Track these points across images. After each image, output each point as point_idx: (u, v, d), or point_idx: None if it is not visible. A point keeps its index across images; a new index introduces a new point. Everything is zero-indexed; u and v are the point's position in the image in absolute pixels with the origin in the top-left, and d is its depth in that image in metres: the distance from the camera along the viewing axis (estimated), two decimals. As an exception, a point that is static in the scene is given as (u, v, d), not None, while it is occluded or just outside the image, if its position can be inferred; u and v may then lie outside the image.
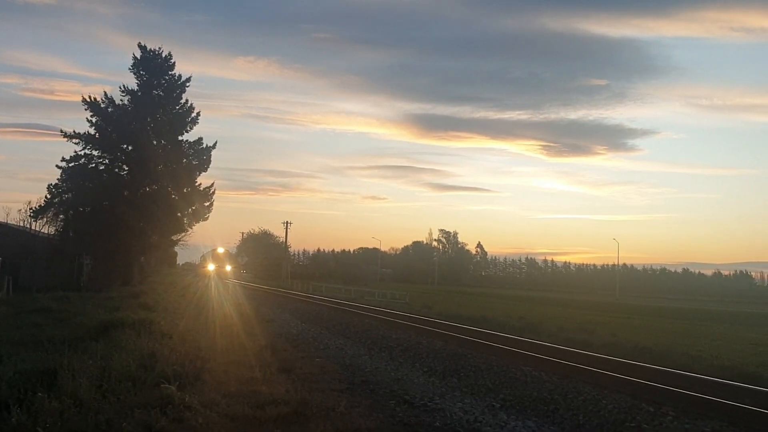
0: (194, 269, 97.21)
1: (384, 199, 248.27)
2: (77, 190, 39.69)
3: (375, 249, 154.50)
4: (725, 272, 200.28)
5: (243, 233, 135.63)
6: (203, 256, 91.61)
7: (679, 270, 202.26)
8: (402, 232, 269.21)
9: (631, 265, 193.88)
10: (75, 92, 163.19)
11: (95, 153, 40.50)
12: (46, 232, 49.04)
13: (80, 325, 14.59)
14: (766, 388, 10.36)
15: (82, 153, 39.93)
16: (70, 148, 40.12)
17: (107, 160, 41.32)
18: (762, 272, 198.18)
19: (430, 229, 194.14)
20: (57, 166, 39.70)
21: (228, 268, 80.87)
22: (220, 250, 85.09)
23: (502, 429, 7.54)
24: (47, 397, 6.14)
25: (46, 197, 39.73)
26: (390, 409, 8.34)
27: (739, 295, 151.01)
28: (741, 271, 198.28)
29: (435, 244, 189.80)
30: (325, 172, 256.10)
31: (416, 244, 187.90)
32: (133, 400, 6.89)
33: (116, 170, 41.87)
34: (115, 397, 6.84)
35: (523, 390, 9.73)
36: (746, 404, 8.41)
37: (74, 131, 39.72)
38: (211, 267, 75.71)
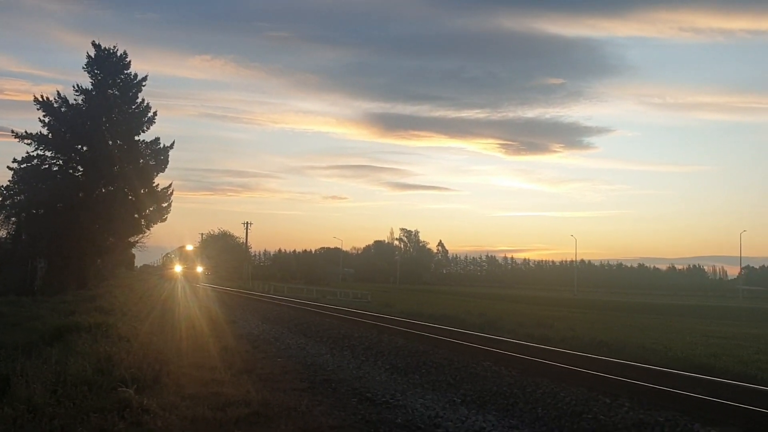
0: (158, 271, 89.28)
1: (344, 198, 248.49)
2: (30, 192, 38.73)
3: (337, 249, 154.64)
4: (679, 267, 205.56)
5: (202, 234, 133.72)
6: (167, 255, 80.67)
7: (635, 265, 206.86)
8: (363, 231, 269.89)
9: (589, 261, 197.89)
10: (25, 91, 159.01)
11: (48, 154, 39.54)
12: (-3, 235, 47.78)
13: (34, 330, 14.27)
14: (716, 377, 10.70)
15: (35, 154, 38.93)
16: (22, 149, 39.06)
17: (61, 161, 40.39)
18: (714, 266, 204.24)
19: (392, 228, 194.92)
20: (8, 167, 38.64)
21: (199, 269, 67.67)
22: (189, 247, 72.02)
23: (463, 423, 7.62)
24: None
25: (-4, 199, 38.69)
26: (352, 407, 8.36)
27: (693, 289, 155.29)
28: (694, 266, 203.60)
29: (396, 243, 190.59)
30: (284, 172, 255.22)
31: (378, 244, 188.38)
32: (89, 404, 6.77)
33: (71, 171, 40.95)
34: (70, 402, 6.70)
35: (483, 385, 9.85)
36: (698, 393, 8.66)
37: (26, 131, 38.68)
38: (178, 269, 63.71)
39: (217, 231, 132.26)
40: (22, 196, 38.81)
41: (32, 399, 6.49)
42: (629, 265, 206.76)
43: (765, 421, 7.28)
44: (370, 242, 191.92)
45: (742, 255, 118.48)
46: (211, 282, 72.43)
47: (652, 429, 7.22)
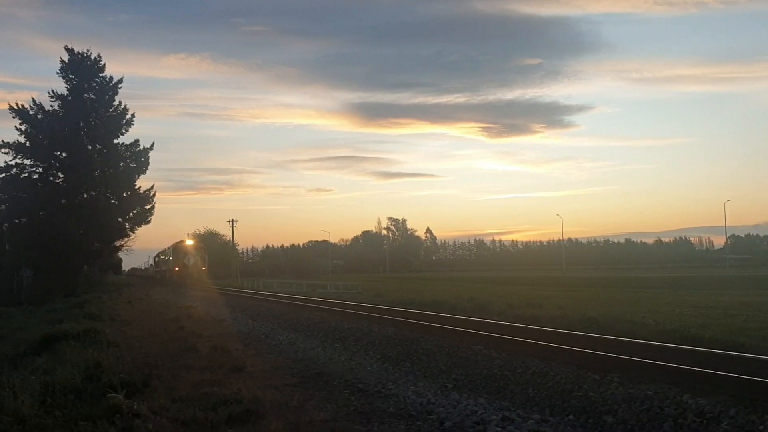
0: (149, 273, 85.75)
1: (330, 190, 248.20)
2: (11, 202, 38.51)
3: (325, 241, 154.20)
4: (666, 239, 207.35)
5: (188, 234, 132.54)
6: (162, 254, 68.62)
7: (622, 240, 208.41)
8: (350, 222, 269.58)
9: (576, 239, 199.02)
10: (0, 100, 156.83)
11: (27, 162, 39.34)
12: (-20, 247, 47.34)
13: (22, 341, 14.19)
14: (705, 348, 10.80)
15: (13, 163, 38.78)
16: (0, 159, 38.84)
17: (41, 169, 40.13)
18: (700, 237, 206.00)
19: (379, 218, 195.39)
20: (-14, 178, 38.34)
21: (203, 268, 56.62)
22: (189, 242, 59.03)
23: (455, 408, 7.65)
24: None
25: (-23, 211, 38.37)
26: (344, 399, 8.38)
27: (680, 261, 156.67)
28: (680, 238, 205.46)
29: (384, 232, 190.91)
30: (267, 167, 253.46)
31: (366, 234, 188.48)
32: (78, 412, 6.73)
33: (51, 178, 40.71)
34: (60, 412, 6.66)
35: (474, 369, 9.88)
36: (687, 365, 8.73)
37: (2, 141, 38.42)
38: (176, 269, 54.76)
39: (203, 230, 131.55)
40: (3, 206, 38.57)
41: (20, 410, 6.43)
42: (616, 241, 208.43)
43: (752, 387, 7.35)
44: (358, 233, 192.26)
45: (727, 224, 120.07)
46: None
47: (642, 403, 7.27)
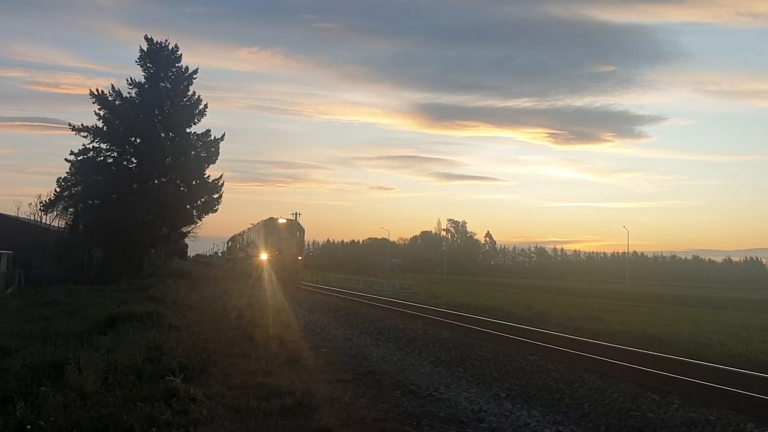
0: (219, 260, 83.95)
1: (391, 189, 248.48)
2: (86, 183, 39.92)
3: (384, 239, 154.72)
4: (735, 259, 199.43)
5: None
6: (240, 236, 56.61)
7: (690, 257, 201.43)
8: (410, 222, 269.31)
9: (642, 253, 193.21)
10: (81, 85, 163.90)
11: (103, 146, 40.74)
12: (56, 225, 49.43)
13: (89, 318, 14.73)
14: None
15: (91, 146, 40.17)
16: (79, 142, 40.41)
17: (115, 153, 41.53)
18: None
19: (438, 219, 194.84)
20: (66, 159, 39.96)
21: (299, 258, 43.29)
22: (282, 220, 42.71)
23: (507, 418, 7.54)
24: (52, 391, 6.20)
25: (55, 191, 40.06)
26: (395, 399, 8.36)
27: (750, 282, 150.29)
28: (751, 258, 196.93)
29: (444, 233, 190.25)
30: (332, 162, 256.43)
31: (425, 234, 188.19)
32: (138, 393, 6.95)
33: (125, 163, 42.06)
34: (120, 390, 6.89)
35: (528, 379, 9.72)
36: (753, 392, 8.38)
37: (82, 124, 39.92)
38: (263, 257, 40.71)
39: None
40: (79, 188, 40.01)
41: (84, 386, 6.68)
42: (683, 257, 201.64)
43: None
44: (417, 233, 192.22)
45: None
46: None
47: (703, 428, 7.01)
